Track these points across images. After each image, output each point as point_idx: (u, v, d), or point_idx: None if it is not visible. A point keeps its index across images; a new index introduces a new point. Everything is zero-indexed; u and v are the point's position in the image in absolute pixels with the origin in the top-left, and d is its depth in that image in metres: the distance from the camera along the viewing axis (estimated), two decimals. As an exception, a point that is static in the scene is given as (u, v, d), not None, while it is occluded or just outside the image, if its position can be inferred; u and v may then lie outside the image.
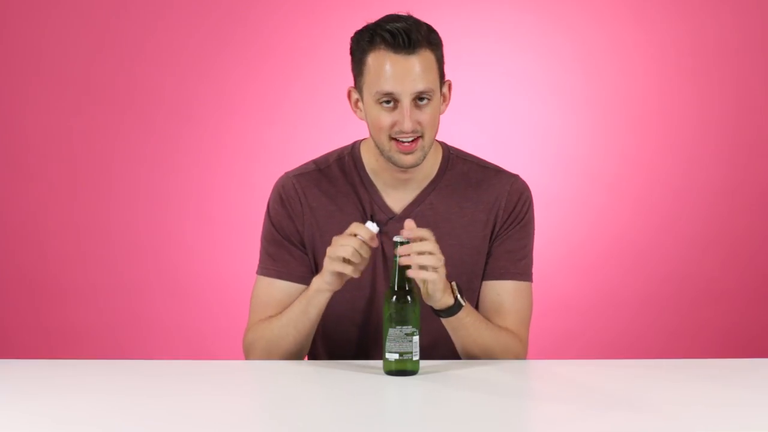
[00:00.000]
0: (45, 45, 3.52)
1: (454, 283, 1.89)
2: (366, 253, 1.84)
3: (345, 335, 2.07)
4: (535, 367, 1.95)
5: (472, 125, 3.45)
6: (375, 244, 1.84)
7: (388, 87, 1.88)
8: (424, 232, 1.81)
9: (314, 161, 2.10)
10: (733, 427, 1.47)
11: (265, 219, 2.09)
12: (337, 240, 1.86)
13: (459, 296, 1.88)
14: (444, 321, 1.91)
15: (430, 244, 1.80)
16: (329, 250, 1.86)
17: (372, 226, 1.83)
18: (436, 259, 1.80)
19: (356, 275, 1.86)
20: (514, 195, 2.05)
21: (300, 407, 1.64)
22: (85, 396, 1.66)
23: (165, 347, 3.52)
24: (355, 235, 1.84)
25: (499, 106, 3.54)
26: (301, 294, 1.98)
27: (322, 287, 1.91)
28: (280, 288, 2.03)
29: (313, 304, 1.94)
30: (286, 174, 2.09)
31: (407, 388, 1.70)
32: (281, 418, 1.56)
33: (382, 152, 1.96)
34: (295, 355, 1.99)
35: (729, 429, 1.46)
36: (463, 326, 1.91)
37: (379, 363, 1.83)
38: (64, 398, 1.64)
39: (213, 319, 3.54)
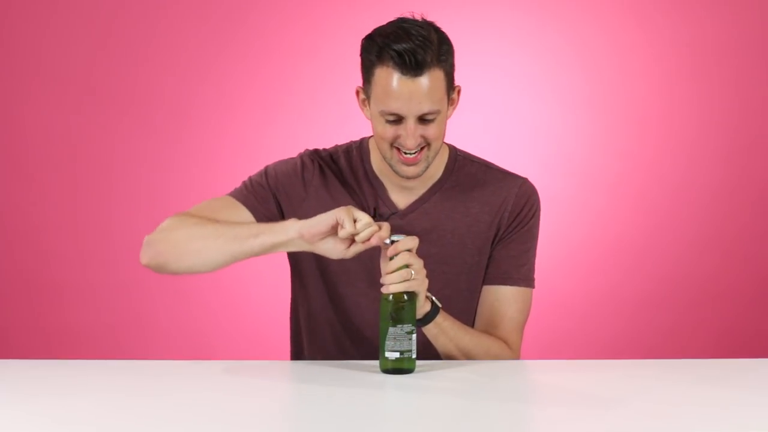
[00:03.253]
0: (45, 45, 3.52)
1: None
2: (363, 238, 1.77)
3: (357, 336, 2.06)
4: (533, 367, 1.95)
5: (472, 125, 3.45)
6: (374, 242, 1.80)
7: (393, 107, 1.87)
8: (411, 243, 1.80)
9: (326, 149, 2.11)
10: (730, 428, 1.47)
11: (263, 169, 2.07)
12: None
13: (434, 299, 1.87)
14: (424, 330, 1.89)
15: (410, 257, 1.78)
16: (346, 207, 1.81)
17: (388, 234, 1.80)
18: (415, 270, 1.78)
19: (341, 243, 1.80)
20: (522, 198, 2.05)
21: (298, 406, 1.65)
22: (84, 396, 1.66)
23: (165, 347, 3.52)
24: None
25: (499, 106, 3.54)
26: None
27: (295, 227, 1.83)
28: (239, 213, 1.99)
29: (269, 235, 1.84)
30: (308, 150, 2.09)
31: (405, 387, 1.70)
32: (280, 418, 1.56)
33: (384, 159, 1.97)
34: (196, 268, 1.91)
35: (727, 429, 1.46)
36: (443, 331, 1.90)
37: (373, 363, 1.83)
38: (63, 398, 1.64)
39: (213, 319, 3.54)
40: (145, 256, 1.97)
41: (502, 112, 3.54)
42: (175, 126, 3.54)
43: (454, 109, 1.98)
